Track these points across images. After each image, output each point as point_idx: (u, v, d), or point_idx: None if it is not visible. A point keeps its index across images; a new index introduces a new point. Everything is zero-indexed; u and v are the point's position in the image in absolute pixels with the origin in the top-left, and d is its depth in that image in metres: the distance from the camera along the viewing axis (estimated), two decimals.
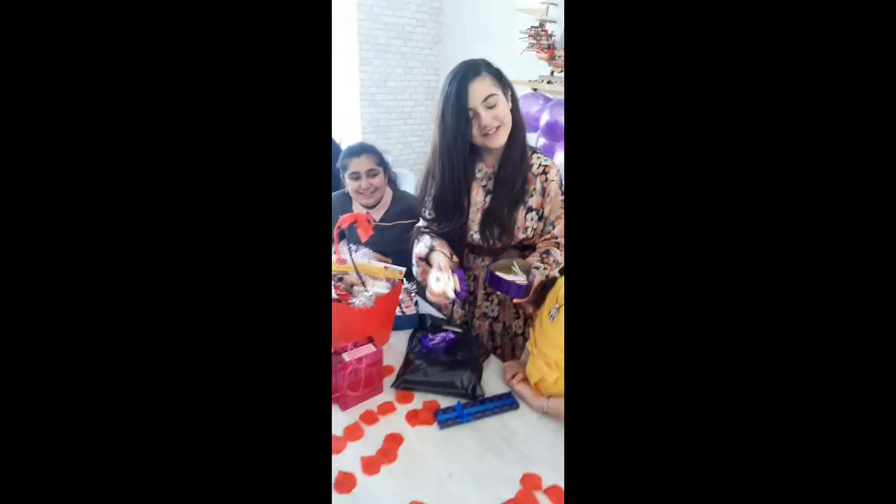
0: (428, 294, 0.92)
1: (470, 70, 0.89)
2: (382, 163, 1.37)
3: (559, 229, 1.01)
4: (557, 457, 0.74)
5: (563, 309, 0.82)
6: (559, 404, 0.82)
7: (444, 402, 0.85)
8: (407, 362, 0.94)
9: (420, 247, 1.04)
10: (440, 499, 0.66)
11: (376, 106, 2.80)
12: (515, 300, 0.92)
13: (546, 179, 0.99)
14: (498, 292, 0.97)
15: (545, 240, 1.02)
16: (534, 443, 0.77)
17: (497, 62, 0.96)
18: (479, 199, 1.01)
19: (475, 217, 1.02)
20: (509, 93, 0.94)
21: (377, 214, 1.38)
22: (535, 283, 0.91)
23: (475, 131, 0.91)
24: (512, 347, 1.12)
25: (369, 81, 2.72)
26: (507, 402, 0.85)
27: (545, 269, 0.95)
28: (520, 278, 0.90)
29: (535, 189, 0.99)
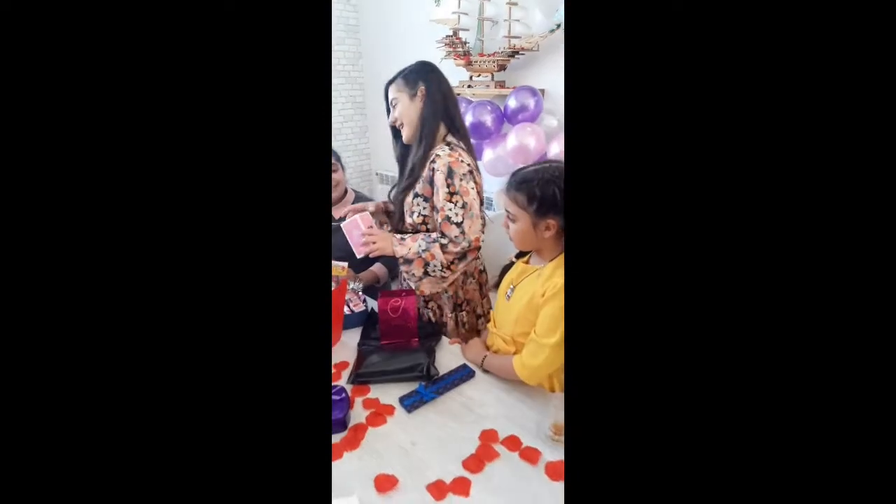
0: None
1: (393, 77, 1.10)
2: (335, 157, 1.44)
3: (439, 217, 1.02)
4: (508, 409, 0.80)
5: (517, 289, 0.91)
6: (494, 360, 0.91)
7: (400, 389, 0.88)
8: (360, 357, 0.96)
9: None
10: (405, 467, 0.69)
11: None
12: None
13: (433, 170, 1.02)
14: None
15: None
16: (491, 405, 0.82)
17: None
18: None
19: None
20: (419, 92, 1.06)
21: (341, 211, 1.40)
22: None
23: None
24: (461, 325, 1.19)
25: None
26: (464, 373, 0.90)
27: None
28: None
29: (423, 177, 1.05)
